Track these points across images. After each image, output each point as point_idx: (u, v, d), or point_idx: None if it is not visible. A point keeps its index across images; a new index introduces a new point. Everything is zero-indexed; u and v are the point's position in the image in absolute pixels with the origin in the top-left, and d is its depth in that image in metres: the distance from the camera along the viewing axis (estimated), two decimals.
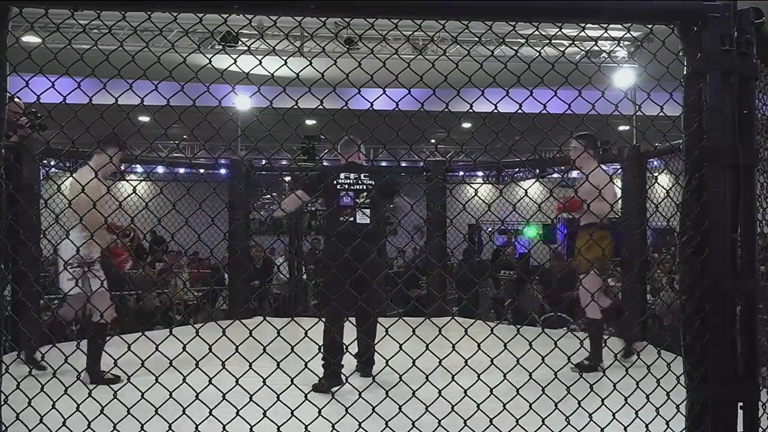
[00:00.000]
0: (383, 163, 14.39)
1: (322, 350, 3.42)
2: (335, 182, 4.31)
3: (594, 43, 2.13)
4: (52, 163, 6.45)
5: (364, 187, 4.32)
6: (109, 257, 4.33)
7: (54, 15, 1.61)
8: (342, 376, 3.85)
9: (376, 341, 3.79)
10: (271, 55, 2.20)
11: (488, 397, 1.81)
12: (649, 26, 1.93)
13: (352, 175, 4.33)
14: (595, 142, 4.78)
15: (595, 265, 3.95)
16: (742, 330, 1.70)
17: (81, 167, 4.34)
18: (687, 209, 1.73)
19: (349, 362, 4.07)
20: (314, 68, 1.81)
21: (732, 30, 1.70)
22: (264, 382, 1.76)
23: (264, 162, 9.58)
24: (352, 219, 4.21)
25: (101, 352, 4.12)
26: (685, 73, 1.77)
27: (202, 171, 8.30)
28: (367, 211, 4.24)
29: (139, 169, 8.00)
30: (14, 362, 3.92)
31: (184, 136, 13.44)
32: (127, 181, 7.56)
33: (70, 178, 4.32)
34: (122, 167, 7.68)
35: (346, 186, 4.31)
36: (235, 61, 1.91)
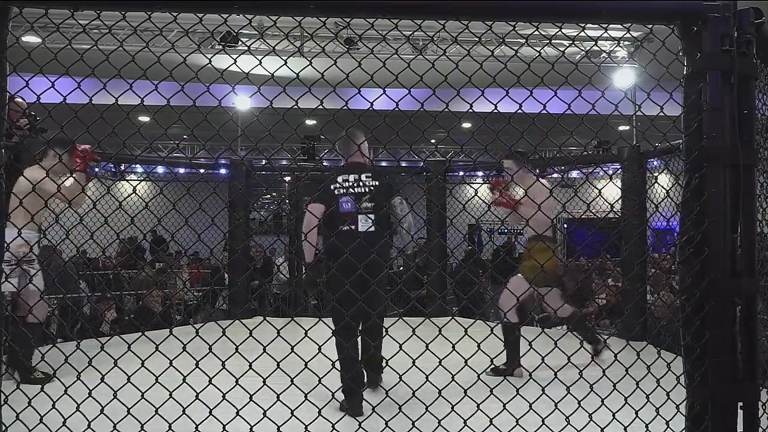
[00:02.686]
0: (383, 163, 14.39)
1: (340, 370, 3.32)
2: (332, 187, 3.79)
3: (594, 43, 2.13)
4: None
5: (366, 189, 3.77)
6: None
7: (54, 15, 1.61)
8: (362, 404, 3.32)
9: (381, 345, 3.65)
10: (271, 55, 2.20)
11: (488, 397, 1.81)
12: (649, 26, 1.93)
13: (351, 177, 3.79)
14: (526, 157, 4.75)
15: (535, 276, 4.00)
16: (742, 330, 1.70)
17: (30, 166, 4.23)
18: (687, 209, 1.73)
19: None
20: (314, 68, 1.81)
21: (732, 30, 1.70)
22: (264, 382, 1.76)
23: (264, 162, 9.58)
24: (353, 227, 3.69)
25: (32, 349, 4.02)
26: (685, 73, 1.77)
27: (202, 171, 8.30)
28: (371, 216, 3.73)
29: (139, 169, 8.01)
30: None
31: (184, 136, 13.44)
32: (127, 181, 7.56)
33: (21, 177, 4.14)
34: (122, 167, 7.70)
35: (345, 189, 3.78)
36: (235, 61, 1.91)
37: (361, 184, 3.77)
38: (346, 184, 3.78)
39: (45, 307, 4.45)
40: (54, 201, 4.01)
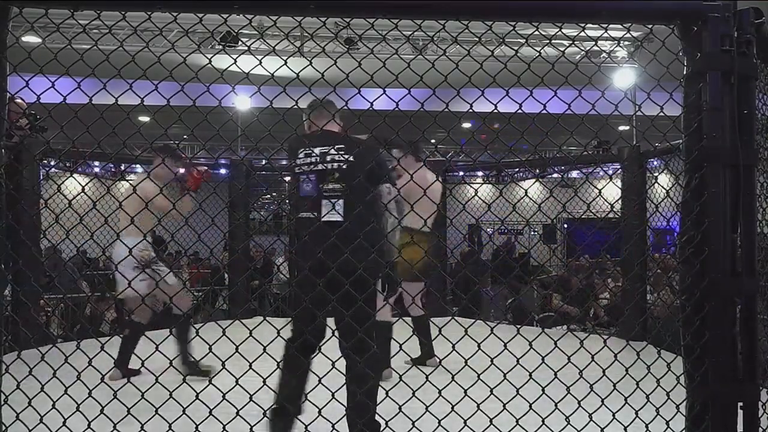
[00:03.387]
0: None
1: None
2: (293, 162, 3.01)
3: (594, 43, 2.13)
4: (52, 163, 6.45)
5: (336, 166, 2.90)
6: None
7: (54, 15, 1.61)
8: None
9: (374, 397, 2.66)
10: (271, 55, 2.20)
11: (488, 397, 1.81)
12: (649, 26, 1.93)
13: (316, 150, 2.94)
14: (413, 147, 4.57)
15: (413, 268, 4.04)
16: (742, 330, 1.70)
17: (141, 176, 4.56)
18: (687, 209, 1.73)
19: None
20: (314, 68, 1.81)
21: (732, 30, 1.70)
22: (264, 382, 1.76)
23: (264, 162, 9.58)
24: (314, 214, 2.86)
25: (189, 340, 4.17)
26: (685, 73, 1.77)
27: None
28: (339, 202, 2.85)
29: (139, 169, 8.00)
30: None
31: (184, 136, 13.44)
32: (127, 181, 7.56)
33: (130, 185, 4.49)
34: (122, 167, 7.70)
35: (307, 165, 2.95)
36: (235, 61, 1.91)
37: (328, 159, 2.93)
38: (310, 159, 2.96)
39: (188, 298, 4.58)
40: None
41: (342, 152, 2.92)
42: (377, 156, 2.99)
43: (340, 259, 2.25)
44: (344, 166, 2.90)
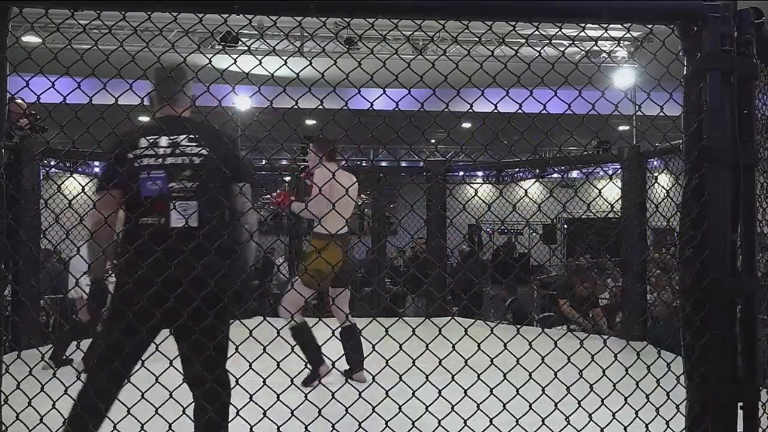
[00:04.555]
0: (383, 164, 14.37)
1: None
2: (130, 155, 2.38)
3: (594, 43, 2.13)
4: (52, 163, 6.45)
5: (187, 160, 2.41)
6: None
7: (54, 15, 1.61)
8: None
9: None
10: (271, 55, 2.20)
11: (488, 397, 1.81)
12: (649, 26, 1.93)
13: (163, 140, 2.41)
14: (325, 145, 4.43)
15: (308, 275, 3.96)
16: (742, 330, 1.70)
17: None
18: (687, 209, 1.73)
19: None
20: (314, 68, 1.81)
21: (732, 30, 1.70)
22: (264, 382, 1.76)
23: (264, 162, 9.58)
24: (162, 220, 2.35)
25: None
26: (685, 73, 1.77)
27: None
28: (191, 204, 2.37)
29: None
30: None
31: None
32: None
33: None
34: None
35: (152, 160, 2.40)
36: (235, 61, 1.91)
37: (178, 151, 2.42)
38: (154, 151, 2.42)
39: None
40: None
41: (194, 143, 2.44)
42: (234, 148, 2.59)
43: (194, 273, 2.00)
44: (198, 161, 2.41)
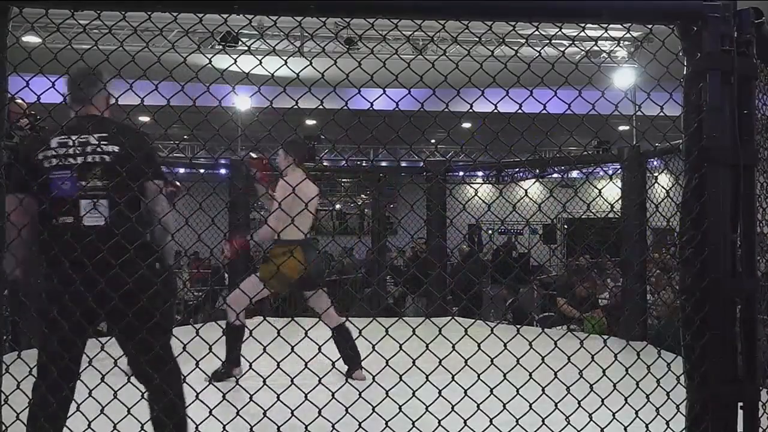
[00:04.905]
0: (383, 164, 14.37)
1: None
2: (41, 156, 2.40)
3: (594, 43, 2.13)
4: None
5: (98, 158, 2.40)
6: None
7: (54, 15, 1.61)
8: None
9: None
10: (271, 55, 2.20)
11: (488, 397, 1.81)
12: (649, 26, 1.93)
13: (72, 139, 2.40)
14: (301, 151, 4.50)
15: (274, 279, 3.92)
16: (742, 330, 1.70)
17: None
18: (687, 209, 1.73)
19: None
20: (314, 68, 1.81)
21: (732, 30, 1.70)
22: (264, 382, 1.76)
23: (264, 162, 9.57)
24: (72, 220, 2.35)
25: None
26: (685, 73, 1.77)
27: (202, 171, 8.30)
28: (102, 202, 2.37)
29: None
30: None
31: (184, 136, 13.44)
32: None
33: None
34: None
35: (61, 159, 2.39)
36: (235, 61, 1.91)
37: (89, 150, 2.41)
38: (64, 150, 2.40)
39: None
40: None
41: (105, 142, 2.42)
42: (147, 147, 2.60)
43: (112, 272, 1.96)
44: (109, 159, 2.40)
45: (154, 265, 2.40)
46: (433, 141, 13.20)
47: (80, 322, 2.08)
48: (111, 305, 1.95)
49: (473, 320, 5.54)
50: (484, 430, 1.75)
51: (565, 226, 11.04)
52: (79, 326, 2.09)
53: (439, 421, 1.83)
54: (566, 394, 1.82)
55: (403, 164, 12.02)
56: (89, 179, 2.37)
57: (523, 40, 2.17)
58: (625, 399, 1.84)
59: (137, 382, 2.05)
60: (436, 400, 1.84)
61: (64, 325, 2.04)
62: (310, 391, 1.81)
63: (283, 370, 1.81)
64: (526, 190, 2.21)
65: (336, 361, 2.15)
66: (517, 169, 8.01)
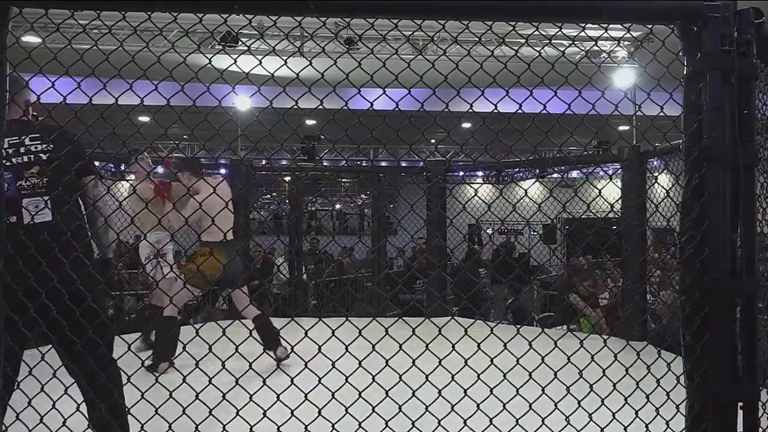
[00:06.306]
0: (383, 164, 14.37)
1: None
2: None
3: (594, 43, 2.13)
4: None
5: (32, 158, 2.51)
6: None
7: (54, 15, 1.61)
8: None
9: None
10: (271, 55, 2.20)
11: (488, 397, 1.81)
12: (649, 26, 1.93)
13: (8, 142, 2.51)
14: (189, 162, 5.15)
15: (191, 277, 4.31)
16: (742, 330, 1.70)
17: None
18: (687, 209, 1.73)
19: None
20: (314, 68, 1.81)
21: (732, 30, 1.70)
22: (264, 382, 1.76)
23: (264, 162, 9.58)
24: (15, 219, 2.43)
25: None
26: (685, 73, 1.77)
27: (202, 171, 8.30)
28: (45, 199, 2.47)
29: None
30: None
31: (184, 136, 13.45)
32: (128, 181, 7.57)
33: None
34: (122, 167, 7.71)
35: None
36: (235, 61, 1.91)
37: (23, 150, 2.51)
38: (5, 151, 2.48)
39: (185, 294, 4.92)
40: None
41: (38, 141, 2.52)
42: (78, 144, 2.65)
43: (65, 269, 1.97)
44: (44, 157, 2.50)
45: (81, 259, 2.33)
46: (433, 141, 13.21)
47: (27, 324, 2.00)
48: (40, 302, 1.90)
49: (473, 320, 5.54)
50: (484, 430, 1.75)
51: (566, 227, 11.03)
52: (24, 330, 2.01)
53: (439, 421, 1.83)
54: (566, 394, 1.82)
55: (403, 164, 12.02)
56: (26, 178, 2.47)
57: (523, 40, 2.17)
58: (625, 399, 1.84)
59: (136, 382, 2.04)
60: (436, 400, 1.84)
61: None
62: (310, 391, 1.81)
63: (283, 371, 1.81)
64: (526, 190, 2.21)
65: (336, 361, 2.13)
66: (517, 169, 8.01)
